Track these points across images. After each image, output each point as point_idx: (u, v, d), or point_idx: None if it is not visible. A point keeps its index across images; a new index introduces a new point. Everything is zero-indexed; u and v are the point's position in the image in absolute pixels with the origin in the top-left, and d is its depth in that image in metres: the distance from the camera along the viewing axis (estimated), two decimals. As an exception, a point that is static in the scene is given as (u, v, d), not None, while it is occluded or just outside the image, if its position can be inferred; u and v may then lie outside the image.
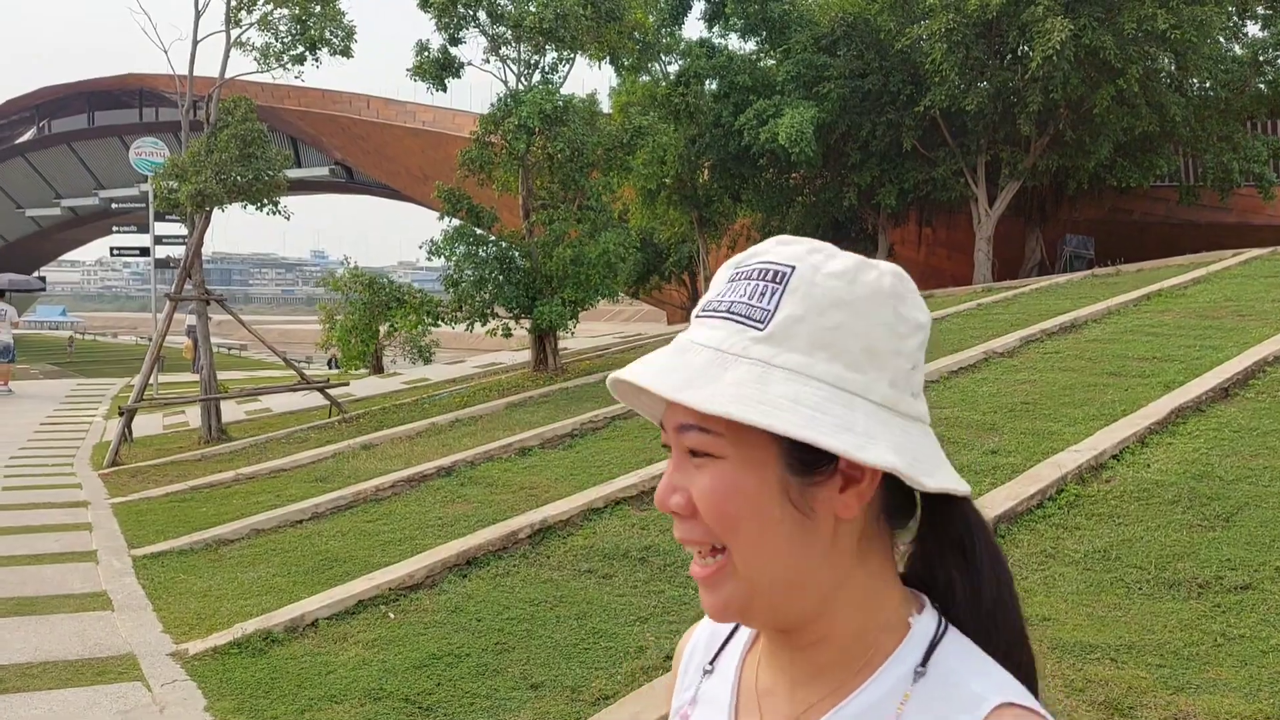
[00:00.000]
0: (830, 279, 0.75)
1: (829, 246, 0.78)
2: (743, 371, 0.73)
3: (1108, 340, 9.76)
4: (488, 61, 12.79)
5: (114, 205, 29.15)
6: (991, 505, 5.55)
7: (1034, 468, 6.12)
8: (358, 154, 48.48)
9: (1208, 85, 18.81)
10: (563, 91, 12.00)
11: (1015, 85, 17.43)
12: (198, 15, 12.20)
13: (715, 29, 20.01)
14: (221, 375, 15.55)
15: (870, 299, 0.75)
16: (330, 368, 34.26)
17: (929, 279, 24.44)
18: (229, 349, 43.12)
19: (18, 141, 63.62)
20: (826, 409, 0.72)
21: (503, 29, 12.12)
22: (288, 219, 12.97)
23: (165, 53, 12.07)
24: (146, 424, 14.15)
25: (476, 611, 5.15)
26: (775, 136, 16.92)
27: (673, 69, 19.90)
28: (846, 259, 0.77)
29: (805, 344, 0.74)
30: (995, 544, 0.81)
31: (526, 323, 12.77)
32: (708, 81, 19.32)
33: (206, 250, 13.66)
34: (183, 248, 21.93)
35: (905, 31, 17.66)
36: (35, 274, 75.65)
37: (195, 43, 12.16)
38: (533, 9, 11.80)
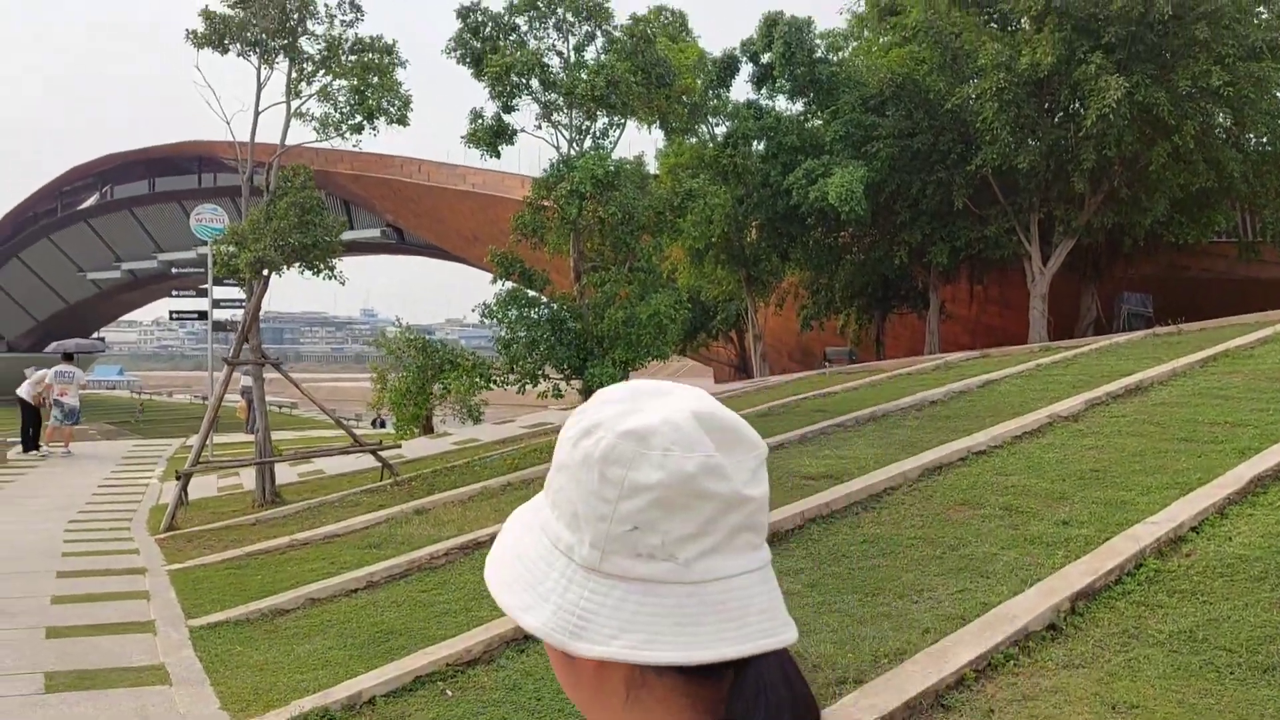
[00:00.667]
0: (561, 444, 0.80)
1: (610, 403, 0.79)
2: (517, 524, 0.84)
3: (1176, 404, 9.48)
4: (539, 127, 12.98)
5: (173, 269, 29.92)
6: (1068, 581, 5.34)
7: (1110, 540, 5.90)
8: (409, 216, 49.45)
9: (1265, 140, 18.54)
10: (613, 156, 12.12)
11: (1068, 143, 17.31)
12: (259, 88, 12.55)
13: (762, 91, 20.19)
14: (274, 435, 15.72)
15: (580, 464, 0.76)
16: (375, 427, 34.57)
17: (981, 336, 24.14)
18: (280, 406, 43.69)
19: (81, 207, 65.83)
20: (532, 568, 0.77)
21: (554, 96, 12.31)
22: (342, 284, 13.16)
23: (228, 124, 12.42)
24: (201, 486, 14.30)
25: (535, 690, 5.03)
26: (825, 195, 16.93)
27: (720, 130, 20.08)
28: (581, 423, 0.78)
29: (550, 503, 0.79)
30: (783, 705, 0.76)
31: (577, 383, 12.75)
32: (755, 142, 19.45)
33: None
34: (240, 311, 22.42)
35: (955, 91, 17.67)
36: (95, 335, 77.70)
37: (257, 114, 12.49)
38: (584, 77, 11.98)
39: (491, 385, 12.52)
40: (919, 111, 18.46)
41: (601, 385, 12.34)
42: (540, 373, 12.39)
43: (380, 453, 13.20)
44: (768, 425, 11.92)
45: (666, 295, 12.25)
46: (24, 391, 19.11)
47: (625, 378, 12.71)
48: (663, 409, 0.77)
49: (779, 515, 7.08)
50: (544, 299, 12.61)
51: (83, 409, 20.29)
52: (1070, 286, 21.37)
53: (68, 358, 19.55)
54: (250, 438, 22.80)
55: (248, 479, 14.37)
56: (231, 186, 52.95)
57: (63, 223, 65.02)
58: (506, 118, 12.44)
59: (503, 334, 12.65)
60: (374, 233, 52.10)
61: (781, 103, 20.62)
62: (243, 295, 20.20)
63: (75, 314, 71.80)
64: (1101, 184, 18.12)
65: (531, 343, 11.98)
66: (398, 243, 54.32)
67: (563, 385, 12.50)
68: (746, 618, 0.74)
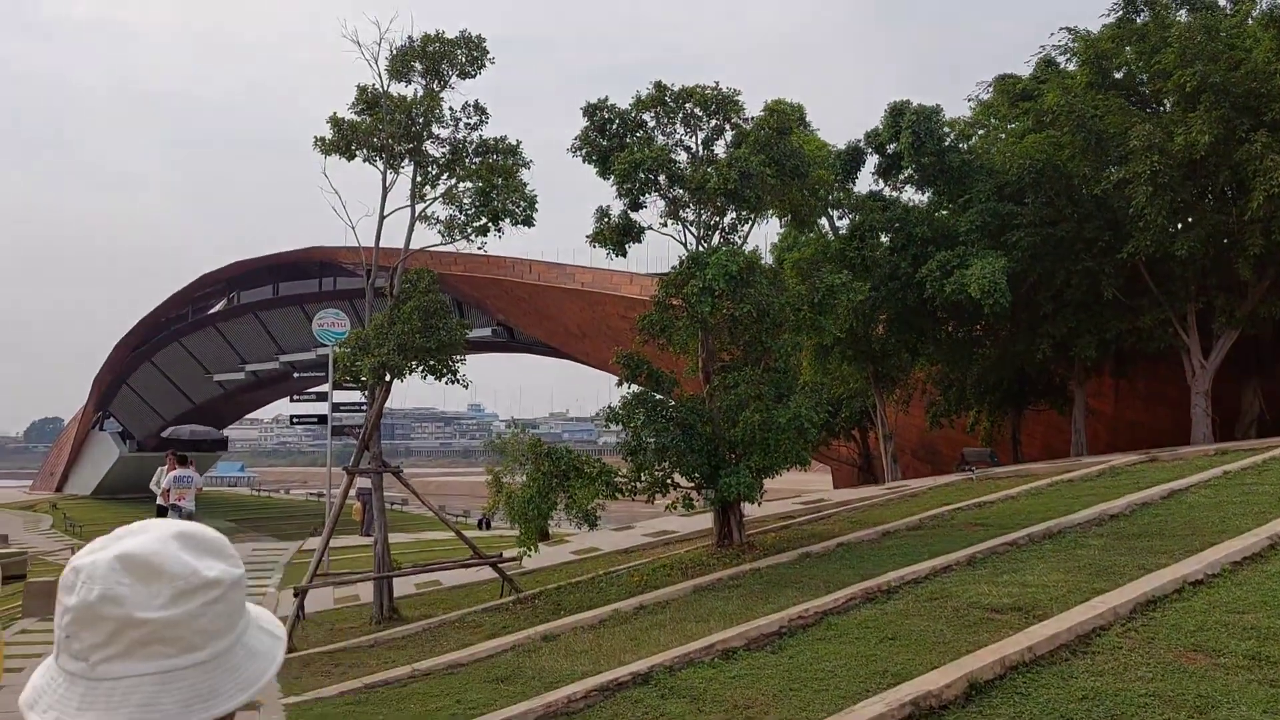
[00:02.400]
0: None
1: (87, 546, 1.07)
2: None
3: None
4: (664, 224, 12.48)
5: (294, 371, 30.54)
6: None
7: None
8: (519, 314, 49.98)
9: None
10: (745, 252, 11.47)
11: (1230, 227, 15.99)
12: (384, 192, 12.42)
13: (887, 183, 19.47)
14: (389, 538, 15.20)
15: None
16: (481, 528, 34.04)
17: (1123, 433, 22.38)
18: (391, 503, 43.69)
19: (210, 312, 68.87)
20: None
21: (682, 192, 11.81)
22: (466, 387, 12.72)
23: (353, 229, 12.28)
24: (318, 596, 13.81)
25: None
26: (964, 288, 15.93)
27: (841, 223, 19.37)
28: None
29: None
30: None
31: (708, 492, 11.92)
32: (882, 234, 18.65)
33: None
34: (358, 414, 22.38)
35: (1101, 176, 16.61)
36: (219, 434, 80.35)
37: (381, 219, 12.33)
38: (714, 172, 11.45)
39: (618, 495, 11.78)
40: (1061, 198, 17.42)
41: (737, 495, 11.47)
42: (669, 481, 11.60)
43: (500, 565, 12.52)
44: (924, 542, 10.81)
45: (806, 397, 11.40)
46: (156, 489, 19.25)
47: (760, 486, 11.84)
48: (102, 549, 1.03)
49: (976, 664, 6.03)
50: (672, 402, 11.89)
51: (202, 507, 20.34)
52: (1228, 381, 19.65)
53: (183, 460, 19.64)
54: (366, 541, 22.57)
55: (364, 589, 13.85)
56: (352, 290, 54.67)
57: (192, 327, 68.04)
58: (634, 215, 11.97)
59: (628, 439, 11.95)
60: (485, 332, 52.82)
61: (908, 194, 19.86)
62: (361, 398, 20.17)
63: (201, 414, 74.55)
64: (1267, 270, 16.65)
65: (661, 449, 11.22)
66: (508, 341, 54.92)
67: (694, 496, 11.67)
68: (125, 708, 0.99)
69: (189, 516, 19.08)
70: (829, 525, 13.17)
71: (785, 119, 11.65)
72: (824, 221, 19.46)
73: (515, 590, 12.00)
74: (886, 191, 19.74)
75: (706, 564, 11.49)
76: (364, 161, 12.57)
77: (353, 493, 23.16)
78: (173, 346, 69.81)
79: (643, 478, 11.62)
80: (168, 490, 19.12)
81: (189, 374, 70.48)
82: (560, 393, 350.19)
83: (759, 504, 11.99)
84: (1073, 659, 6.27)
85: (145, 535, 1.05)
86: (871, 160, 19.34)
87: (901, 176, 18.77)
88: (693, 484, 11.69)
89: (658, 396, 11.83)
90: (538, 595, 11.51)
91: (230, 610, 1.07)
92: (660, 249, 44.89)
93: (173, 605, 1.00)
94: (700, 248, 12.14)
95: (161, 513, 19.53)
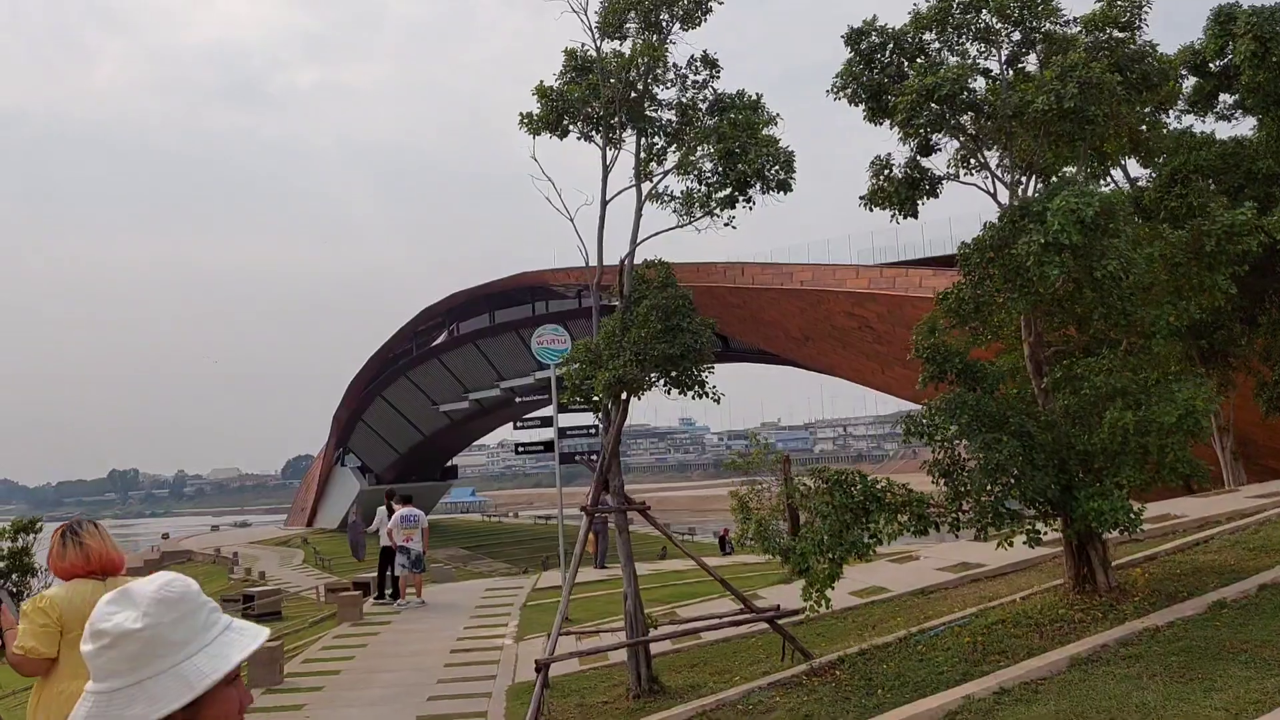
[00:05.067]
0: None
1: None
2: None
3: None
4: (959, 174, 9.61)
5: (515, 396, 29.79)
6: None
7: None
8: (733, 322, 47.53)
9: None
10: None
11: None
12: (605, 173, 10.24)
13: (1209, 113, 15.59)
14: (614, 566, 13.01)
15: None
16: (724, 551, 31.56)
17: None
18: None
19: (433, 345, 70.75)
20: None
21: (987, 124, 8.92)
22: (718, 401, 10.31)
23: (571, 220, 10.14)
24: (560, 648, 11.75)
25: None
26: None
27: (1136, 170, 15.66)
28: None
29: None
30: None
31: (1055, 522, 8.92)
32: (1208, 178, 14.84)
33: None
34: (583, 439, 20.53)
35: None
36: (448, 463, 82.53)
37: (604, 203, 10.14)
38: (1035, 90, 8.51)
39: (929, 529, 8.99)
40: None
41: (1106, 524, 8.42)
42: (1003, 509, 8.68)
43: (779, 622, 9.98)
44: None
45: (1192, 385, 8.24)
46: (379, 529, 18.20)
47: (1141, 509, 8.76)
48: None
49: None
50: (997, 405, 8.95)
51: (436, 536, 19.12)
52: None
53: (406, 500, 18.35)
54: (601, 575, 20.68)
55: (611, 631, 11.70)
56: (564, 311, 54.13)
57: (417, 360, 70.11)
58: (925, 162, 9.19)
59: (937, 456, 9.14)
60: (699, 343, 50.77)
61: (1224, 128, 15.86)
62: (590, 421, 18.29)
63: (431, 445, 76.82)
64: None
65: (994, 467, 8.34)
66: (723, 351, 52.63)
67: (1040, 527, 8.67)
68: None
69: (417, 559, 17.75)
70: (1218, 555, 9.79)
71: (1129, 8, 8.55)
72: (1117, 172, 15.84)
73: (804, 656, 9.42)
74: (1198, 127, 15.85)
75: (1068, 619, 8.48)
76: (579, 139, 10.46)
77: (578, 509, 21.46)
78: (400, 380, 72.25)
79: (963, 505, 8.78)
80: (391, 530, 17.92)
81: (417, 406, 72.70)
82: (771, 402, 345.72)
83: (1140, 535, 8.82)
84: None
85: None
86: (1185, 85, 15.52)
87: (1229, 100, 14.88)
88: (1036, 512, 8.72)
89: (972, 398, 8.91)
90: (838, 664, 8.87)
91: (123, 656, 1.46)
92: (887, 236, 41.18)
93: (87, 643, 1.49)
94: (1011, 201, 9.18)
95: (388, 554, 18.39)
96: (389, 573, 18.18)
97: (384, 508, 18.53)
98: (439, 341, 70.62)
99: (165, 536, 79.12)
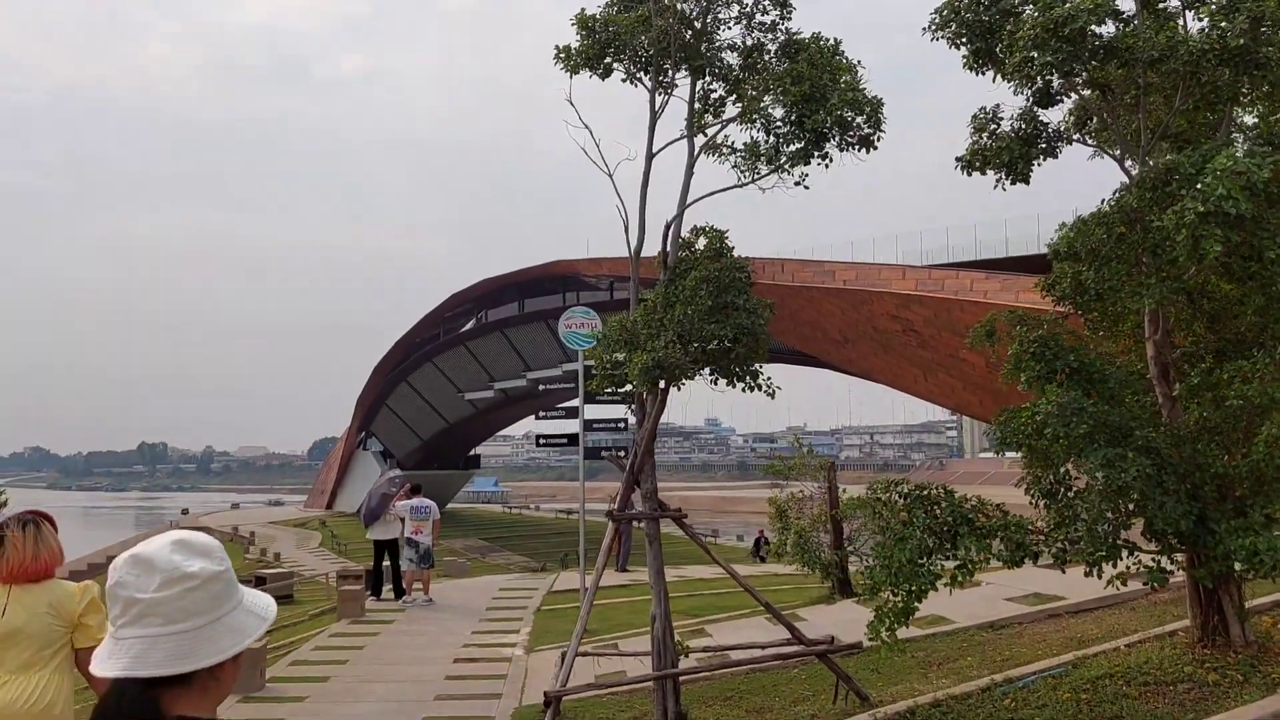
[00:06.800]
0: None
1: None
2: None
3: None
4: (1079, 135, 8.02)
5: (541, 387, 28.58)
6: None
7: None
8: (772, 321, 45.81)
9: None
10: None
11: None
12: (653, 120, 8.74)
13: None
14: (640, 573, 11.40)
15: None
16: (758, 558, 29.88)
17: None
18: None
19: (461, 331, 69.56)
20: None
21: (1119, 73, 7.33)
22: (772, 396, 8.80)
23: (610, 175, 8.65)
24: (579, 667, 10.27)
25: None
26: None
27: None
28: None
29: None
30: None
31: (1180, 557, 7.31)
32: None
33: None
34: (609, 434, 19.01)
35: None
36: (471, 452, 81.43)
37: (649, 156, 8.64)
38: (1187, 30, 6.92)
39: (1025, 559, 7.41)
40: None
41: (1258, 568, 6.67)
42: (1121, 540, 7.09)
43: (830, 656, 8.44)
44: None
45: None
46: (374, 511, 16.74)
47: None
48: (124, 552, 1.68)
49: None
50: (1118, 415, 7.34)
51: (453, 525, 17.71)
52: None
53: (415, 490, 16.95)
54: (623, 579, 19.18)
55: (634, 657, 10.22)
56: (594, 302, 52.71)
57: (444, 346, 68.92)
58: (1044, 114, 7.59)
59: (1038, 474, 7.56)
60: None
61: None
62: (616, 414, 16.78)
63: (454, 433, 75.70)
64: None
65: (1116, 489, 6.76)
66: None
67: (1165, 562, 7.08)
68: (126, 658, 1.58)
69: (426, 553, 16.37)
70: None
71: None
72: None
73: (861, 699, 7.89)
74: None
75: (1198, 680, 6.87)
76: (623, 80, 8.96)
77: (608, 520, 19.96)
78: (426, 366, 71.10)
79: (1071, 533, 7.19)
80: (402, 519, 16.57)
81: (442, 393, 71.55)
82: (799, 405, 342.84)
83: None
84: None
85: (153, 542, 1.65)
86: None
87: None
88: (1161, 544, 7.12)
89: (1090, 404, 7.30)
90: (908, 717, 7.32)
91: (208, 596, 1.62)
92: (936, 237, 39.30)
93: (159, 590, 1.60)
94: (1143, 163, 7.57)
95: (381, 547, 17.05)
96: (386, 565, 16.85)
97: (385, 490, 17.13)
98: (467, 328, 69.42)
99: (185, 512, 78.70)
